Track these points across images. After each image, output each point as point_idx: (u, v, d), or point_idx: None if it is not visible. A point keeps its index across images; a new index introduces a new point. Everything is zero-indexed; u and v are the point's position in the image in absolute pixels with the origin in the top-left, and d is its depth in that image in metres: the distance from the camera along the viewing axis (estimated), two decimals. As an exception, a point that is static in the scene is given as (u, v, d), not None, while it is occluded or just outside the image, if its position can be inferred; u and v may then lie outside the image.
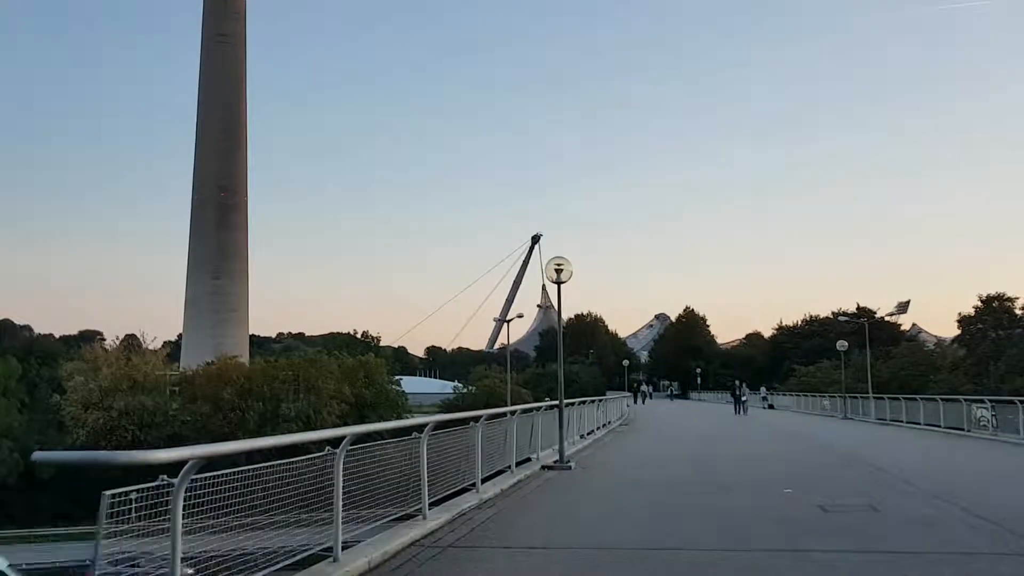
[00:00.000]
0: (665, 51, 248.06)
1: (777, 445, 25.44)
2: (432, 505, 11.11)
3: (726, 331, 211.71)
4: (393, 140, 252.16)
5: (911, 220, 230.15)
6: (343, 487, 8.06)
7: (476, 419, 13.20)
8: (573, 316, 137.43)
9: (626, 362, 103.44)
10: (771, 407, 67.34)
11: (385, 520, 9.63)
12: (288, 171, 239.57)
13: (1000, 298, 50.74)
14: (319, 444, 8.37)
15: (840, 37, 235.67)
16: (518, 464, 16.34)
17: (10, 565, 14.24)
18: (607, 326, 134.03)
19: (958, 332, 54.78)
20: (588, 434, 26.74)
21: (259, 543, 7.42)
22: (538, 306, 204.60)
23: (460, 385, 73.15)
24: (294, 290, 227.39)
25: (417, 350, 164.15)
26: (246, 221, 64.87)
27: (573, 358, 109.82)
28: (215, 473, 6.93)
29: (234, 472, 7.28)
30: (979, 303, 51.34)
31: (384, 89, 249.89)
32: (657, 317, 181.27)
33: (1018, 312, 50.10)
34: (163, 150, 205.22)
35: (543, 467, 17.14)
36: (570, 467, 17.27)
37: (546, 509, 12.19)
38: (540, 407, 18.62)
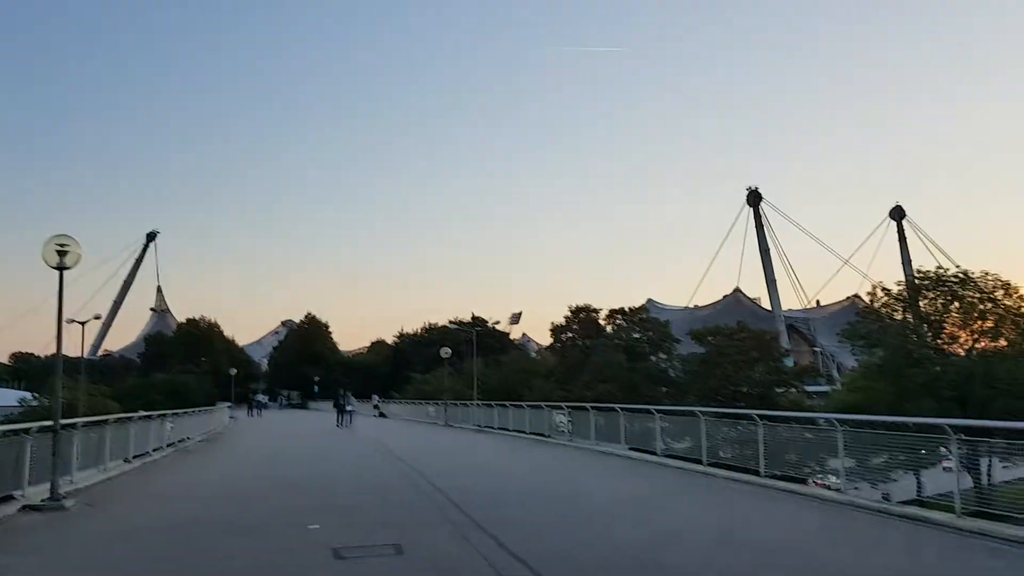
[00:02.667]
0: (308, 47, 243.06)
1: (352, 463, 23.18)
2: None
3: (351, 339, 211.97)
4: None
5: (528, 236, 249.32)
6: None
7: None
8: (186, 320, 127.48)
9: (233, 371, 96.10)
10: (382, 415, 66.82)
11: None
12: None
13: (587, 309, 54.89)
14: None
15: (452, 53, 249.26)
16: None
17: None
18: (223, 332, 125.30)
19: (551, 341, 58.50)
20: (138, 456, 22.55)
21: None
22: (152, 309, 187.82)
23: (30, 396, 62.65)
24: None
25: (2, 356, 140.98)
26: None
27: (185, 367, 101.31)
28: None
29: None
30: (569, 313, 55.20)
31: None
32: (284, 324, 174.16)
33: (601, 322, 54.62)
34: None
35: (26, 507, 13.13)
36: (63, 507, 13.41)
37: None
38: (31, 428, 14.44)
